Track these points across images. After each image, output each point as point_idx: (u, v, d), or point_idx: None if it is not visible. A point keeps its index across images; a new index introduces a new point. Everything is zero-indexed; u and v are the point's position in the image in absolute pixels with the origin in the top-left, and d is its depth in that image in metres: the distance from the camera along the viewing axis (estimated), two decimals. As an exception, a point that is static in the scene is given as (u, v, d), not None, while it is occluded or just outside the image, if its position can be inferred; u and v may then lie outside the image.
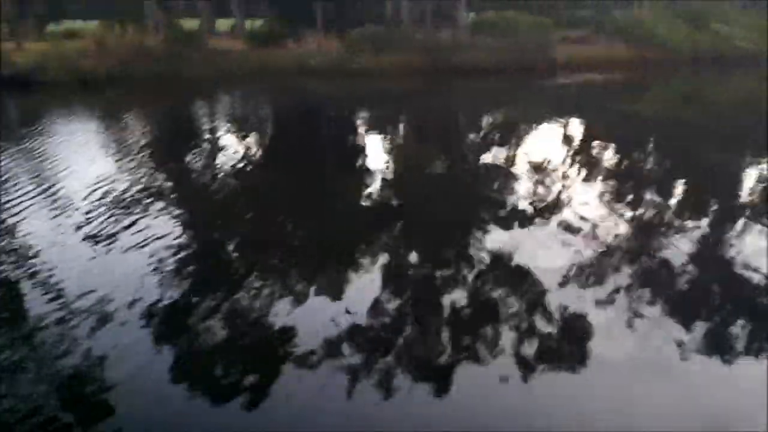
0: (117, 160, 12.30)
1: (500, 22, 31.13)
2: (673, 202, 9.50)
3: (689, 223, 8.32)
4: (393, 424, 4.24)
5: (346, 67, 27.36)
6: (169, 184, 10.64)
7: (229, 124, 17.51)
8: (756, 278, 6.39)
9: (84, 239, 7.66)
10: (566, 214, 8.52)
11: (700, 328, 5.39)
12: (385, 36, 28.79)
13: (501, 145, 14.04)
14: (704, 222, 8.48)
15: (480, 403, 4.46)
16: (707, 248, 7.41)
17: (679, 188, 10.29)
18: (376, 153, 13.35)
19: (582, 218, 8.30)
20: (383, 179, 10.76)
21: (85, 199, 9.37)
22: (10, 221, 8.37)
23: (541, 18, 32.76)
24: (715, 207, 9.31)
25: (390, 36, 28.92)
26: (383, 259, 7.04)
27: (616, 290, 6.10)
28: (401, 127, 17.85)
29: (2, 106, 22.03)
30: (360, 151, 13.73)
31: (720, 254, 7.25)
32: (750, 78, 28.98)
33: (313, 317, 5.69)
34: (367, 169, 11.66)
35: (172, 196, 9.88)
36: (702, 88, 26.60)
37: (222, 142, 14.60)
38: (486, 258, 6.99)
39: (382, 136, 15.76)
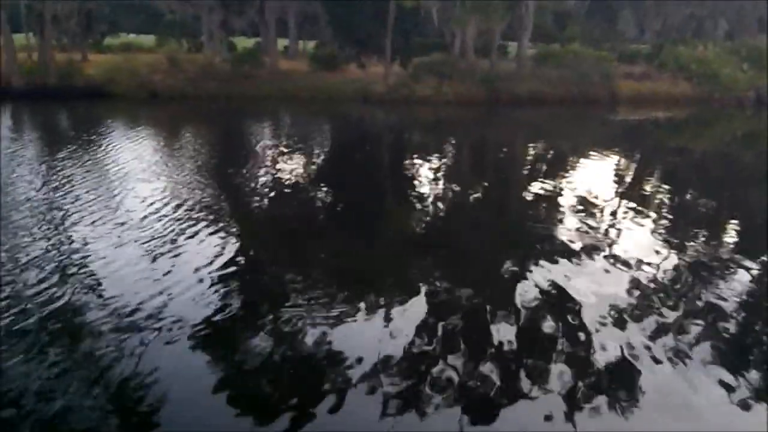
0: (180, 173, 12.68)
1: (564, 55, 31.17)
2: (713, 239, 9.43)
3: (731, 262, 8.24)
4: None
5: (409, 95, 27.66)
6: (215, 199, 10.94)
7: (288, 146, 17.74)
8: None
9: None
10: (610, 250, 8.54)
11: (739, 373, 5.32)
12: (449, 65, 29.02)
13: (551, 177, 13.98)
14: (746, 261, 8.32)
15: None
16: (752, 290, 7.30)
17: (723, 226, 10.25)
18: (430, 183, 13.41)
19: (623, 256, 8.28)
20: (435, 210, 10.92)
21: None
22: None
23: (605, 52, 32.69)
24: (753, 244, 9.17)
25: (453, 65, 29.14)
26: (418, 284, 7.08)
27: (661, 330, 6.05)
28: (457, 157, 17.95)
29: (77, 116, 22.81)
30: (412, 180, 13.74)
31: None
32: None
33: (350, 340, 5.74)
34: (420, 199, 11.76)
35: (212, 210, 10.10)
36: (763, 128, 26.22)
37: (278, 164, 14.84)
38: (528, 291, 6.96)
39: (438, 166, 15.82)
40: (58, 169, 12.52)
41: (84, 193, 10.58)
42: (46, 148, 15.64)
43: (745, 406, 4.82)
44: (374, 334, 5.84)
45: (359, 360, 5.30)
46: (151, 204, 9.99)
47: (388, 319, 6.19)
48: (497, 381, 5.02)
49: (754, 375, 5.28)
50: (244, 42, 37.42)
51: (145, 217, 9.31)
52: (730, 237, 9.70)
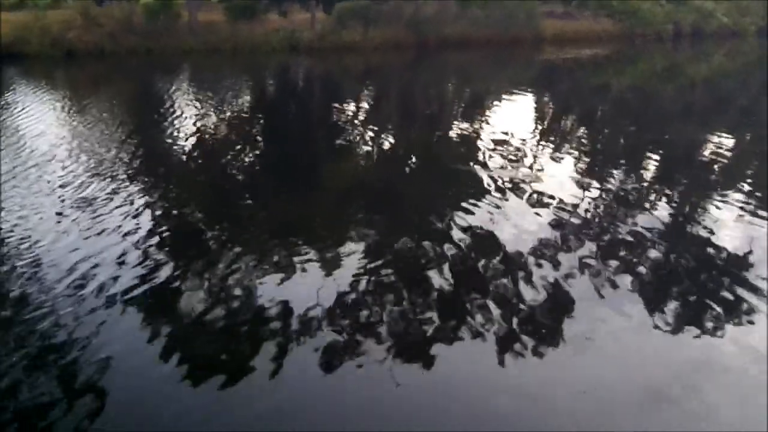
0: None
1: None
2: (633, 173, 9.70)
3: (652, 194, 8.52)
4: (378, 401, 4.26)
5: (337, 42, 27.32)
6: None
7: (212, 102, 17.27)
8: (716, 250, 6.57)
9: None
10: (533, 187, 8.67)
11: (655, 303, 5.45)
12: (374, 10, 28.69)
13: (477, 119, 14.21)
14: (666, 193, 8.67)
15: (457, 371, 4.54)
16: (664, 222, 7.47)
17: (644, 160, 10.52)
18: (360, 132, 13.31)
19: (542, 192, 8.45)
20: (365, 158, 10.89)
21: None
22: None
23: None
24: (665, 178, 9.46)
25: (378, 10, 28.83)
26: (351, 233, 7.10)
27: (586, 264, 6.17)
28: (385, 104, 17.89)
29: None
30: (342, 130, 13.66)
31: (677, 227, 7.40)
32: (728, 52, 29.52)
33: (287, 293, 5.68)
34: (350, 148, 11.72)
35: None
36: (682, 62, 27.04)
37: (201, 120, 14.46)
38: (457, 234, 7.01)
39: (367, 114, 15.77)
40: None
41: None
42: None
43: (673, 330, 4.98)
44: (310, 285, 5.80)
45: (296, 312, 5.27)
46: (69, 170, 9.55)
47: (322, 269, 6.17)
48: (431, 326, 5.05)
49: (678, 300, 5.48)
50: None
51: (64, 184, 8.88)
52: (651, 170, 9.96)
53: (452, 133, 12.75)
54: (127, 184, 8.89)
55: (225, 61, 26.05)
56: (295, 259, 6.36)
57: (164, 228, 7.26)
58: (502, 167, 9.73)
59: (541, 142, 11.92)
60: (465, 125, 13.54)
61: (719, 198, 8.20)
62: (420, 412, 4.06)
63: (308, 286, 5.76)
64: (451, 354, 4.67)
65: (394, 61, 26.53)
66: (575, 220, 7.37)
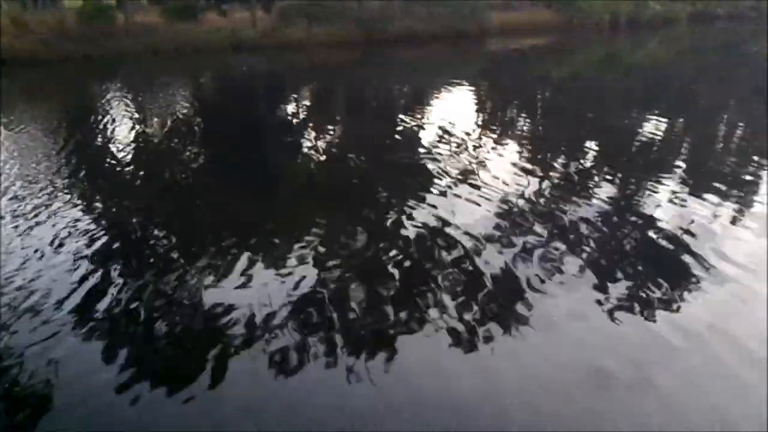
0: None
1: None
2: (575, 160, 9.83)
3: (593, 180, 8.65)
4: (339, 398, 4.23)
5: (281, 40, 27.14)
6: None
7: (154, 105, 17.01)
8: (658, 231, 6.72)
9: None
10: (479, 177, 8.78)
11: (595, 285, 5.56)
12: (318, 7, 28.58)
13: (422, 114, 14.29)
14: (603, 178, 8.77)
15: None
16: (606, 206, 7.65)
17: (584, 147, 10.75)
18: (307, 131, 13.30)
19: (484, 181, 8.58)
20: (314, 158, 10.80)
21: None
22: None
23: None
24: (608, 164, 9.60)
25: (321, 7, 28.73)
26: (303, 232, 6.99)
27: (534, 250, 6.26)
28: (332, 102, 17.91)
29: None
30: (289, 130, 13.60)
31: (621, 211, 7.52)
32: (662, 39, 30.37)
33: (246, 295, 5.61)
34: (299, 148, 11.61)
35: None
36: (619, 51, 27.71)
37: (143, 125, 14.26)
38: (410, 228, 7.03)
39: (314, 113, 15.76)
40: None
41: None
42: None
43: (624, 309, 5.07)
44: (264, 287, 5.70)
45: (251, 315, 5.18)
46: (2, 184, 9.19)
47: (276, 271, 6.07)
48: (388, 321, 5.04)
49: (623, 282, 5.56)
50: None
51: None
52: (592, 156, 10.15)
53: (400, 128, 12.79)
54: (68, 195, 8.61)
55: (166, 63, 25.61)
56: (248, 262, 6.27)
57: (109, 238, 7.03)
58: (449, 158, 9.84)
59: (485, 133, 12.06)
60: (412, 119, 13.60)
61: (658, 180, 8.40)
62: (381, 408, 4.06)
63: (262, 289, 5.68)
64: (409, 347, 4.68)
65: (340, 58, 26.46)
66: (521, 208, 7.47)
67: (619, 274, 5.71)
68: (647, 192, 8.03)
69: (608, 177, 8.77)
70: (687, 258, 5.95)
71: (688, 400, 4.04)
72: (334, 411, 4.10)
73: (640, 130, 11.71)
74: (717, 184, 8.09)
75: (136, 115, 15.27)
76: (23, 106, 17.77)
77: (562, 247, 6.29)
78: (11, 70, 24.24)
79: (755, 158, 9.50)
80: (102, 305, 5.53)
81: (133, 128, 13.61)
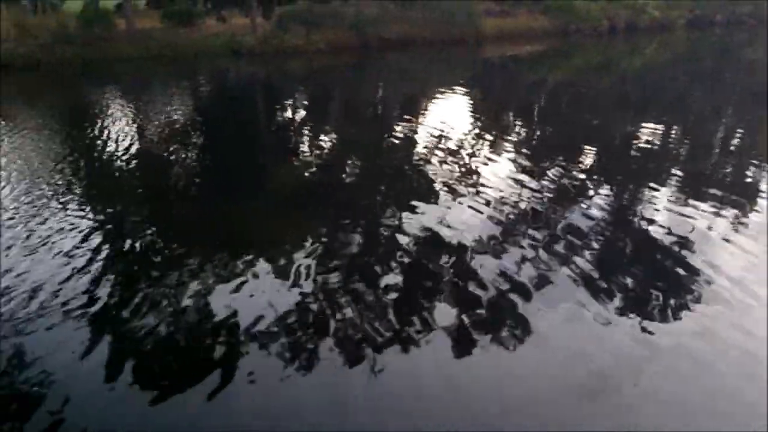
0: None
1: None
2: (571, 165, 9.86)
3: (589, 185, 8.70)
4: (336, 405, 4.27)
5: (280, 46, 27.26)
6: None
7: (151, 109, 17.02)
8: (655, 237, 6.78)
9: None
10: (475, 183, 8.83)
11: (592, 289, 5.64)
12: (315, 13, 28.72)
13: (417, 119, 14.34)
14: (599, 184, 8.83)
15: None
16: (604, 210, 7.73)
17: (580, 152, 10.81)
18: (303, 136, 13.42)
19: (484, 187, 8.63)
20: (309, 163, 10.84)
21: None
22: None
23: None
24: (602, 167, 9.79)
25: (319, 13, 28.86)
26: (299, 237, 7.04)
27: (531, 256, 6.32)
28: (328, 107, 17.95)
29: None
30: (286, 135, 13.74)
31: (619, 214, 7.63)
32: (659, 45, 30.50)
33: (244, 298, 5.67)
34: (294, 153, 11.70)
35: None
36: (616, 56, 27.84)
37: (140, 129, 14.27)
38: (406, 234, 7.06)
39: (310, 118, 15.84)
40: None
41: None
42: None
43: (616, 318, 5.11)
44: (260, 292, 5.74)
45: (246, 320, 5.21)
46: (2, 189, 9.22)
47: (272, 276, 6.11)
48: (383, 328, 5.08)
49: (621, 288, 5.62)
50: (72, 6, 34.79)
51: None
52: (588, 161, 10.22)
53: (394, 133, 12.85)
54: (64, 199, 8.66)
55: (165, 68, 25.70)
56: (244, 267, 6.31)
57: (105, 243, 7.06)
58: (444, 164, 9.89)
59: (480, 138, 12.15)
60: (407, 124, 13.67)
61: (655, 186, 8.46)
62: (380, 414, 4.11)
63: (258, 294, 5.72)
64: (404, 354, 4.73)
65: (336, 63, 26.61)
66: (517, 214, 7.53)
67: (614, 283, 5.74)
68: (643, 199, 8.09)
69: (604, 183, 8.84)
70: (683, 267, 5.99)
71: (680, 408, 4.08)
72: (334, 413, 4.16)
73: (637, 136, 11.79)
74: (714, 191, 8.15)
75: (134, 119, 15.32)
76: (24, 109, 17.85)
77: (557, 254, 6.34)
78: (12, 74, 24.39)
79: (753, 164, 9.59)
80: (101, 308, 5.59)
81: (130, 132, 13.69)
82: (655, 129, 12.24)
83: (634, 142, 11.46)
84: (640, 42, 31.20)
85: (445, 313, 5.24)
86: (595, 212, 7.52)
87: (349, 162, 10.51)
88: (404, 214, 7.63)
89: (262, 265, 6.34)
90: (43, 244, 7.00)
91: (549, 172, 9.32)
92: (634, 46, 30.50)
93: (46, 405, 4.28)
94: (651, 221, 7.19)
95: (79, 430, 4.08)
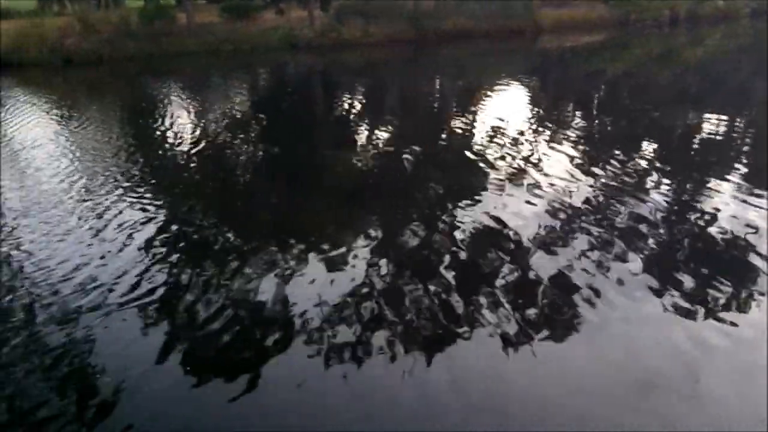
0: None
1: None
2: (630, 159, 9.69)
3: (648, 180, 8.55)
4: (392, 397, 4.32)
5: (337, 39, 27.47)
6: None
7: (206, 102, 17.46)
8: (717, 233, 6.66)
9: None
10: (533, 176, 8.79)
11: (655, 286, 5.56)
12: (372, 5, 28.85)
13: (474, 112, 14.35)
14: (660, 178, 8.66)
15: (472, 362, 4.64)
16: (664, 205, 7.60)
17: (640, 146, 10.62)
18: (360, 128, 13.56)
19: (544, 178, 8.61)
20: (366, 155, 10.92)
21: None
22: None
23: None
24: (659, 163, 9.53)
25: (377, 5, 28.98)
26: (355, 229, 7.14)
27: (590, 251, 6.27)
28: (386, 100, 18.03)
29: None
30: (343, 127, 13.82)
31: (678, 211, 7.46)
32: (723, 35, 29.61)
33: (300, 290, 5.75)
34: (351, 146, 11.73)
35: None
36: (677, 47, 27.14)
37: (202, 122, 14.61)
38: (462, 227, 7.08)
39: (367, 110, 15.93)
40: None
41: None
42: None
43: (680, 312, 5.07)
44: (315, 284, 5.84)
45: (302, 312, 5.31)
46: (68, 178, 9.64)
47: (327, 268, 6.19)
48: (438, 321, 5.10)
49: (681, 285, 5.54)
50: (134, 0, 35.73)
51: (63, 192, 8.96)
52: (648, 154, 10.04)
53: (452, 125, 12.87)
54: (127, 190, 8.96)
55: (224, 62, 26.13)
56: (297, 258, 6.41)
57: (165, 233, 7.30)
58: (501, 156, 9.88)
59: (538, 130, 12.04)
60: (464, 117, 13.69)
61: (717, 180, 8.30)
62: (432, 408, 4.14)
63: (311, 286, 5.80)
64: (460, 348, 4.75)
65: (393, 56, 26.70)
66: (574, 208, 7.47)
67: (676, 278, 5.66)
68: (706, 192, 7.95)
69: (664, 177, 8.69)
70: (744, 265, 5.87)
71: (737, 407, 4.05)
72: (387, 406, 4.23)
73: (698, 128, 11.57)
74: (778, 185, 7.95)
75: (194, 112, 15.71)
76: (89, 103, 18.46)
77: (618, 248, 6.28)
78: (77, 68, 25.25)
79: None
80: (162, 297, 5.78)
81: (190, 125, 14.04)
82: (718, 121, 11.97)
83: (696, 134, 11.24)
84: (702, 32, 30.35)
85: (498, 309, 5.24)
86: (654, 207, 7.42)
87: (405, 155, 10.54)
88: (459, 208, 7.67)
89: (316, 258, 6.43)
90: (105, 236, 7.25)
91: (607, 165, 9.21)
92: (695, 36, 29.70)
93: (102, 391, 4.45)
94: (712, 216, 7.05)
95: (131, 415, 4.21)
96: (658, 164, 9.34)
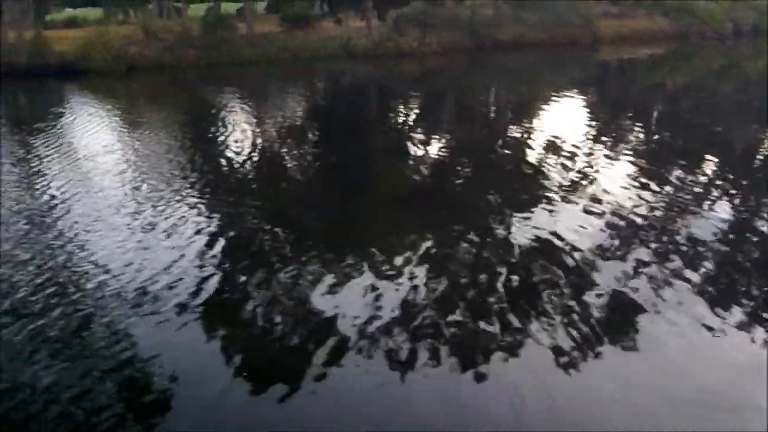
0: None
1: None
2: (690, 174, 9.53)
3: (709, 197, 8.42)
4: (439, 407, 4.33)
5: (394, 48, 27.74)
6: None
7: (269, 111, 17.77)
8: None
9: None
10: (590, 189, 8.73)
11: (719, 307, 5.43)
12: (430, 14, 28.95)
13: (531, 122, 14.36)
14: (719, 194, 8.55)
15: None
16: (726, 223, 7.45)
17: (700, 160, 10.39)
18: (415, 137, 13.57)
19: (603, 193, 8.49)
20: (421, 164, 10.99)
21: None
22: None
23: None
24: (718, 178, 9.38)
25: (434, 14, 29.08)
26: (407, 239, 7.16)
27: (646, 268, 6.15)
28: (441, 108, 18.04)
29: (47, 95, 22.61)
30: (399, 136, 13.89)
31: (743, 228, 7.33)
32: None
33: (352, 298, 5.81)
34: (406, 154, 11.79)
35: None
36: (739, 60, 26.53)
37: (261, 129, 14.88)
38: (516, 239, 7.05)
39: (423, 119, 16.01)
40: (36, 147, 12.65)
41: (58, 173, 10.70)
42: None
43: (739, 332, 4.97)
44: (366, 293, 5.87)
45: (355, 318, 5.36)
46: (130, 184, 9.89)
47: (378, 276, 6.22)
48: (491, 334, 5.09)
49: (741, 302, 5.44)
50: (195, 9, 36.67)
51: (125, 197, 9.22)
52: (708, 169, 9.87)
53: (507, 136, 12.89)
54: (186, 197, 9.12)
55: (282, 70, 26.62)
56: (351, 266, 6.47)
57: (221, 239, 7.42)
58: (557, 169, 9.81)
59: (595, 143, 11.93)
60: (520, 127, 13.67)
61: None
62: (484, 421, 4.14)
63: (364, 294, 5.83)
64: (512, 362, 4.74)
65: (450, 65, 26.78)
66: (632, 222, 7.39)
67: (732, 296, 5.55)
68: (766, 209, 7.79)
69: (726, 192, 8.56)
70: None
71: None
72: (438, 414, 4.23)
73: (761, 143, 11.31)
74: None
75: (252, 119, 16.06)
76: (150, 109, 19.04)
77: (676, 265, 6.18)
78: (140, 75, 26.00)
79: None
80: (209, 299, 5.90)
81: (247, 131, 14.33)
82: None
83: (757, 149, 11.00)
84: (765, 45, 29.54)
85: (553, 322, 5.22)
86: (714, 222, 7.28)
87: (460, 164, 10.60)
88: (515, 219, 7.66)
89: (370, 266, 6.47)
90: (164, 241, 7.42)
91: (667, 179, 9.09)
92: (758, 49, 28.91)
93: (155, 387, 4.61)
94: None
95: (183, 414, 4.33)
96: (718, 180, 9.17)
